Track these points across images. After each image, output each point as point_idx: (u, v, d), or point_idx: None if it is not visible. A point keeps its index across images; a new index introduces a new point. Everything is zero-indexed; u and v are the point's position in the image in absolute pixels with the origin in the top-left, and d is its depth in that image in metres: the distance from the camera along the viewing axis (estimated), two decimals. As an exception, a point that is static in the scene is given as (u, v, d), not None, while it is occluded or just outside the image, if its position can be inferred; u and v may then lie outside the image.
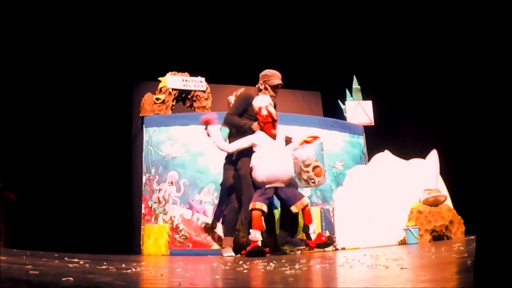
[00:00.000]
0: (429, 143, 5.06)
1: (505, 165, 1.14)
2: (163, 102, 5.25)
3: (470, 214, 4.34)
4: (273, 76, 4.02)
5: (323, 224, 4.69)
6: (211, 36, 6.27)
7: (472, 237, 3.97)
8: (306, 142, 3.85)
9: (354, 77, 5.95)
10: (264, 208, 3.52)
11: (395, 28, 6.02)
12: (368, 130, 5.78)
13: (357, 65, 6.26)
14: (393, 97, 6.46)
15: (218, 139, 3.79)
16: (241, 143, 3.76)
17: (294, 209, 3.61)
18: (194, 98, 5.53)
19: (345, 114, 5.80)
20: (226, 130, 4.05)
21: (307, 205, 3.69)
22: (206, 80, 5.58)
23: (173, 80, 5.41)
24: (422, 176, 4.68)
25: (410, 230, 4.22)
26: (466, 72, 4.09)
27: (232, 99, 4.78)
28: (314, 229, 3.70)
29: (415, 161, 4.94)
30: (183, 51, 6.10)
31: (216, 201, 4.62)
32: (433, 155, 4.81)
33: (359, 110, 5.81)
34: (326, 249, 4.05)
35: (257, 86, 4.09)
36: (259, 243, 3.46)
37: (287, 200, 3.64)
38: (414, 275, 1.53)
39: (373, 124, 5.82)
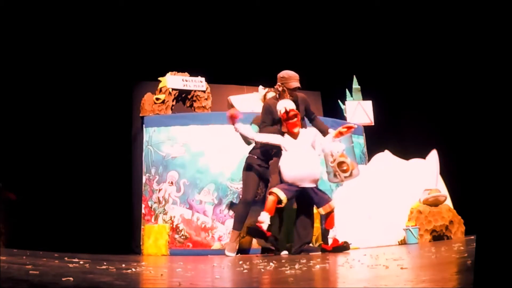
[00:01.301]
0: (429, 143, 5.06)
1: (505, 165, 1.14)
2: (163, 102, 5.26)
3: (470, 214, 4.34)
4: (291, 78, 4.00)
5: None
6: (211, 36, 6.26)
7: (472, 237, 3.97)
8: (341, 133, 3.79)
9: (354, 77, 5.95)
10: (282, 196, 3.51)
11: (395, 28, 6.02)
12: (368, 130, 5.78)
13: (357, 65, 6.25)
14: (393, 97, 6.45)
15: (247, 130, 3.87)
16: (271, 137, 3.80)
17: (321, 211, 3.63)
18: (194, 98, 5.53)
19: (345, 114, 5.80)
20: (256, 128, 4.07)
21: (333, 209, 3.67)
22: (206, 80, 5.58)
23: (173, 80, 5.41)
24: (422, 176, 4.68)
25: (410, 230, 4.21)
26: (466, 72, 4.09)
27: (232, 99, 4.79)
28: (334, 234, 3.68)
29: (415, 161, 4.94)
30: (183, 51, 6.09)
31: (216, 201, 4.62)
32: (433, 155, 4.81)
33: (359, 110, 5.81)
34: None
35: (275, 87, 4.09)
36: (264, 226, 3.45)
37: (317, 201, 3.65)
38: (414, 275, 1.53)
39: (373, 124, 5.82)
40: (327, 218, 3.67)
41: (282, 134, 3.83)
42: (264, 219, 3.46)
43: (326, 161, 3.84)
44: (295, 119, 3.76)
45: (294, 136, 3.77)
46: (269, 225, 3.53)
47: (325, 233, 3.71)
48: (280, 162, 3.74)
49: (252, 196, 4.03)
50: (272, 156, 3.95)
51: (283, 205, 3.59)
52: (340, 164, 3.72)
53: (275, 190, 3.53)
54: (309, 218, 3.78)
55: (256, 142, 3.94)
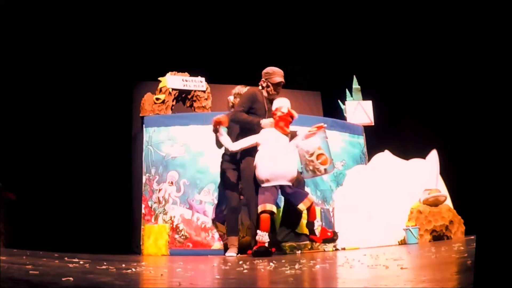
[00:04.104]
0: (429, 143, 5.06)
1: (505, 165, 1.14)
2: (163, 102, 5.26)
3: (470, 214, 4.34)
4: (275, 73, 4.00)
5: (323, 224, 4.68)
6: (211, 36, 6.26)
7: (472, 237, 3.97)
8: (311, 133, 3.84)
9: (354, 77, 5.95)
10: (274, 209, 3.52)
11: (395, 28, 6.02)
12: (368, 130, 5.78)
13: (357, 65, 6.25)
14: (393, 97, 6.45)
15: (226, 138, 3.82)
16: (245, 142, 3.77)
17: (302, 206, 3.60)
18: (194, 98, 5.53)
19: (345, 114, 5.80)
20: (225, 130, 4.04)
21: (313, 202, 3.68)
22: (206, 80, 5.58)
23: (173, 80, 5.41)
24: (422, 176, 4.68)
25: (410, 230, 4.22)
26: (466, 72, 4.09)
27: (231, 99, 4.78)
28: (319, 224, 3.70)
29: (415, 161, 4.94)
30: (183, 51, 6.09)
31: (216, 201, 4.62)
32: (433, 155, 4.81)
33: (359, 110, 5.81)
34: (326, 249, 4.05)
35: (259, 83, 4.09)
36: (266, 245, 3.46)
37: (294, 198, 3.63)
38: (414, 275, 1.53)
39: (373, 124, 5.82)
40: (309, 211, 3.66)
41: (258, 126, 3.81)
42: (265, 240, 3.45)
43: (301, 158, 3.83)
44: (292, 119, 3.82)
45: (286, 134, 3.77)
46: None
47: (310, 226, 3.70)
48: (256, 158, 3.70)
49: (236, 202, 4.03)
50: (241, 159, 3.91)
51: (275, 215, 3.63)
52: (318, 156, 3.73)
53: (268, 207, 3.50)
54: (291, 210, 3.76)
55: (234, 151, 3.90)
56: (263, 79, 4.06)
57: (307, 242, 3.83)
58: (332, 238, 3.62)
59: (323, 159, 3.73)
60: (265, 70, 4.08)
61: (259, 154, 3.71)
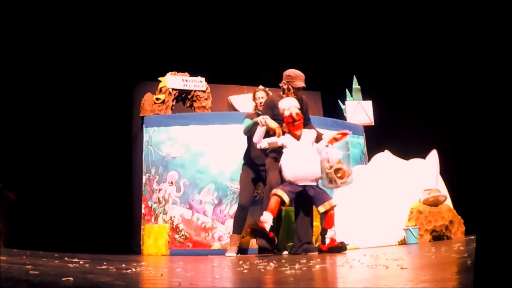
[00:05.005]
0: (429, 143, 5.06)
1: (505, 165, 1.14)
2: (163, 102, 5.26)
3: (470, 214, 4.34)
4: (297, 78, 3.99)
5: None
6: (211, 36, 6.26)
7: (472, 237, 3.97)
8: (336, 139, 3.80)
9: (354, 77, 5.95)
10: (286, 198, 3.51)
11: (395, 28, 6.02)
12: (368, 130, 5.78)
13: (357, 65, 6.25)
14: (393, 97, 6.45)
15: (257, 134, 3.82)
16: (271, 140, 3.78)
17: (321, 208, 3.60)
18: (194, 98, 5.53)
19: (345, 114, 5.80)
20: (248, 121, 4.03)
21: (333, 208, 3.63)
22: (206, 80, 5.58)
23: (173, 80, 5.41)
24: (422, 176, 4.69)
25: (410, 230, 4.22)
26: (466, 72, 4.09)
27: (232, 99, 4.80)
28: (332, 234, 3.65)
29: (415, 161, 4.94)
30: (183, 51, 6.09)
31: (216, 201, 4.62)
32: (433, 155, 4.82)
33: (359, 110, 5.81)
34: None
35: (280, 85, 4.08)
36: (267, 227, 3.45)
37: (316, 199, 3.64)
38: (414, 275, 1.53)
39: (373, 124, 5.82)
40: (326, 217, 3.65)
41: (283, 132, 3.83)
42: (267, 219, 3.45)
43: (321, 167, 3.83)
44: (298, 122, 3.75)
45: (296, 137, 3.77)
46: (270, 226, 3.52)
47: (323, 233, 3.69)
48: (281, 160, 3.73)
49: (246, 201, 4.05)
50: (267, 154, 3.95)
51: (285, 207, 3.63)
52: (336, 170, 3.73)
53: (279, 192, 3.51)
54: (308, 217, 3.79)
55: (259, 148, 3.91)
56: (284, 81, 4.03)
57: (316, 253, 3.81)
58: (338, 246, 3.57)
59: (341, 173, 3.73)
60: (287, 73, 4.03)
61: (283, 156, 3.74)
